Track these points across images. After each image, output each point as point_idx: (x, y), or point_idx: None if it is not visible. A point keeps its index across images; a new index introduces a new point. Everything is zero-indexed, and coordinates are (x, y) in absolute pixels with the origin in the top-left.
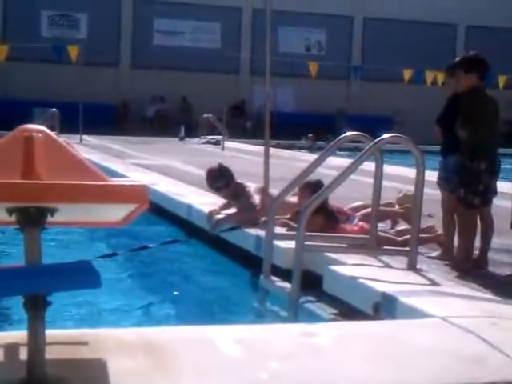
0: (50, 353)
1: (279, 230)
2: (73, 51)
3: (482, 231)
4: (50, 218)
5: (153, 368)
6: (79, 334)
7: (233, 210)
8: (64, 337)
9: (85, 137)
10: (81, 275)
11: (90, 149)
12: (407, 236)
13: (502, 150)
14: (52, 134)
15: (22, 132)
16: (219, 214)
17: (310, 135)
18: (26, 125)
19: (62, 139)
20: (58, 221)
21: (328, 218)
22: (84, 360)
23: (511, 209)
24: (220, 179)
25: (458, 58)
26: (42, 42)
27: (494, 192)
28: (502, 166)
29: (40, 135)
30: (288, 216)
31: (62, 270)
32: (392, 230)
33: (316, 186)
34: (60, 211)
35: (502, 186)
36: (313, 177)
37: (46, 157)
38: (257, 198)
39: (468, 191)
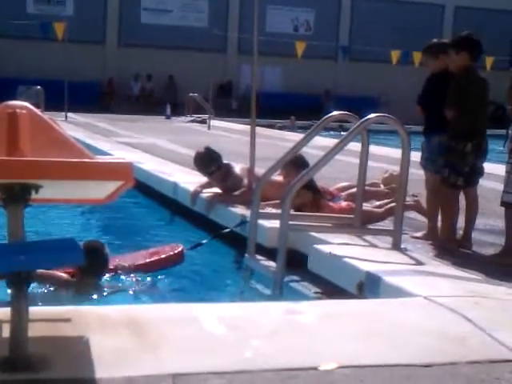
0: (33, 330)
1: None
2: (59, 28)
3: (466, 211)
4: (34, 195)
5: (136, 345)
6: (62, 311)
7: (215, 189)
8: (47, 314)
9: (70, 114)
10: (64, 252)
11: (75, 126)
12: (388, 205)
13: (488, 131)
14: (36, 110)
15: (5, 108)
16: (201, 193)
17: (292, 117)
18: (10, 101)
19: (47, 116)
20: (42, 198)
21: (316, 194)
22: (67, 337)
23: (503, 185)
24: (211, 163)
25: (435, 40)
26: (28, 19)
27: (481, 173)
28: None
29: (24, 112)
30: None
31: (45, 246)
32: (373, 204)
33: (300, 161)
34: (44, 188)
35: (485, 166)
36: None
37: (31, 133)
38: (243, 179)
39: (452, 172)
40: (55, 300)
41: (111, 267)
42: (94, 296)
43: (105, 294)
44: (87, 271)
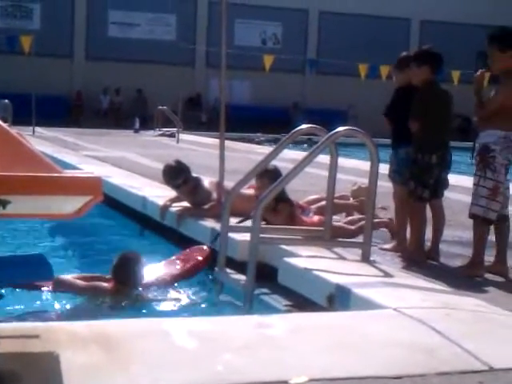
0: (2, 346)
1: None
2: (26, 42)
3: (433, 223)
4: (1, 211)
5: (106, 361)
6: (30, 327)
7: (184, 203)
8: (15, 330)
9: (38, 129)
10: (33, 267)
11: (43, 141)
12: (360, 223)
13: (454, 144)
14: (3, 125)
15: None
16: (171, 207)
17: (258, 136)
18: None
19: (15, 131)
20: (9, 213)
21: (291, 206)
22: (36, 354)
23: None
24: (179, 176)
25: (404, 53)
26: None
27: (446, 185)
28: (453, 159)
29: None
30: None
31: (14, 262)
32: (344, 220)
33: (274, 173)
34: (12, 203)
35: (451, 178)
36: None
37: None
38: (212, 192)
39: (418, 184)
40: (90, 311)
41: (147, 279)
42: (130, 307)
43: (140, 305)
44: (123, 282)
